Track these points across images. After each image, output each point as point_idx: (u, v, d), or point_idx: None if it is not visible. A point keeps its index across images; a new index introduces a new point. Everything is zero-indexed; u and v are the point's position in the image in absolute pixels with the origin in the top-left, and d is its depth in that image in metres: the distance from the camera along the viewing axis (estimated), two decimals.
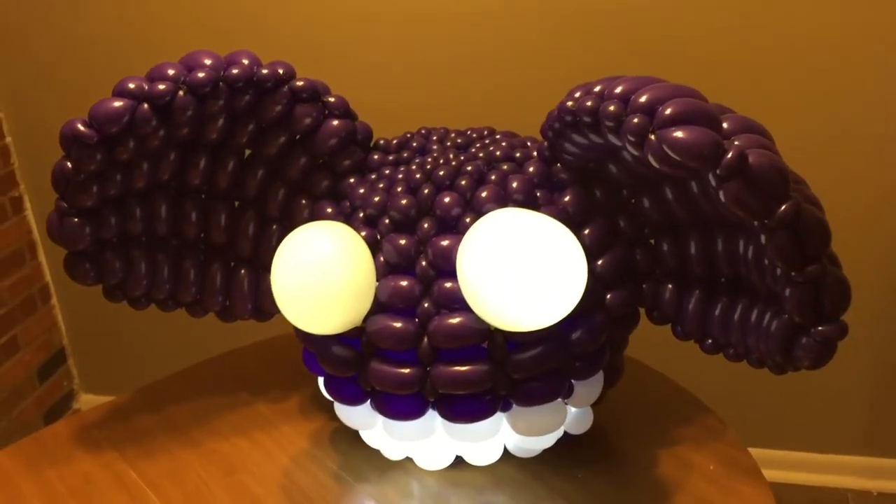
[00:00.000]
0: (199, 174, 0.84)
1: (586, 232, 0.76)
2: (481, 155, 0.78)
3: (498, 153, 0.78)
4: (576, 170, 0.77)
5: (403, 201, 0.75)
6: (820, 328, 0.62)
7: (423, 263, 0.74)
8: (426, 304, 0.73)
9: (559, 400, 0.77)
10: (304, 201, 0.85)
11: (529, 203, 0.75)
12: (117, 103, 0.72)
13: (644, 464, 0.84)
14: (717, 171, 0.58)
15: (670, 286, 0.79)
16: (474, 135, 0.83)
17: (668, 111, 0.60)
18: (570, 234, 0.69)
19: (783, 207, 0.58)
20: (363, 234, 0.76)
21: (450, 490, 0.84)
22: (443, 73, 1.45)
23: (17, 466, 0.89)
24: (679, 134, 0.58)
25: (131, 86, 0.72)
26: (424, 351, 0.73)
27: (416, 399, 0.75)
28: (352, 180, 0.83)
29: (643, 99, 0.62)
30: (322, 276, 0.72)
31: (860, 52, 1.30)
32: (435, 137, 0.82)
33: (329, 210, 0.83)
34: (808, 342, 0.63)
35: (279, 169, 0.85)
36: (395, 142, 0.83)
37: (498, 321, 0.69)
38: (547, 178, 0.78)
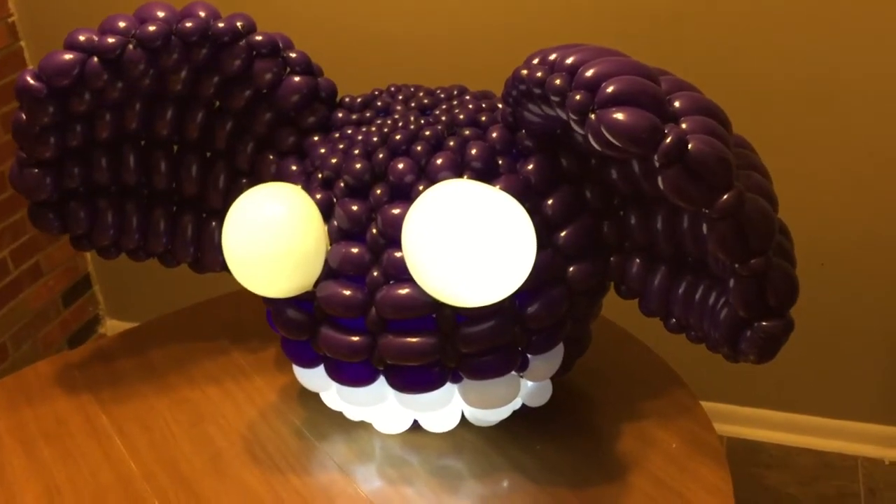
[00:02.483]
0: (167, 125, 0.83)
1: (549, 202, 0.74)
2: (443, 119, 0.75)
3: (462, 116, 0.75)
4: (541, 137, 0.74)
5: (357, 165, 0.73)
6: (764, 323, 0.59)
7: (374, 231, 0.72)
8: (375, 273, 0.72)
9: (513, 373, 0.75)
10: (271, 156, 0.84)
11: (489, 171, 0.72)
12: (66, 56, 0.71)
13: (605, 438, 0.83)
14: (655, 158, 0.54)
15: (638, 261, 0.76)
16: (442, 95, 0.80)
17: (609, 89, 0.56)
18: (520, 210, 0.67)
19: (724, 197, 0.55)
20: (318, 196, 0.74)
21: (410, 453, 0.83)
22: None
23: None
24: (618, 116, 0.55)
25: (81, 38, 0.71)
26: (373, 320, 0.72)
27: (366, 366, 0.74)
28: (315, 138, 0.81)
29: (589, 73, 0.58)
30: (270, 240, 0.71)
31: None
32: (401, 97, 0.79)
33: (294, 168, 0.81)
34: (752, 336, 0.60)
35: (247, 123, 0.83)
36: (359, 100, 0.81)
37: (440, 296, 0.67)
38: (510, 145, 0.74)
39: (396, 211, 0.71)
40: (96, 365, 0.99)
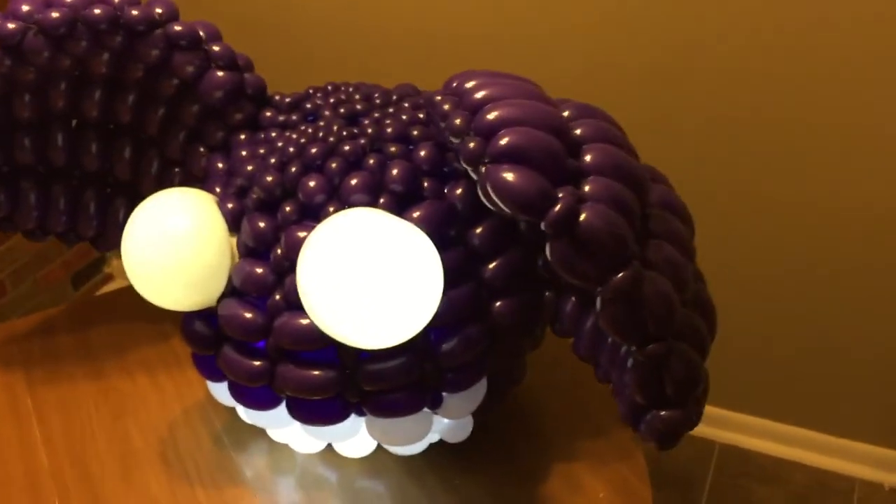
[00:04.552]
0: (97, 106, 0.79)
1: (478, 231, 0.67)
2: (370, 131, 0.69)
3: (390, 130, 0.69)
4: None
5: (268, 178, 0.67)
6: (661, 413, 0.52)
7: (279, 252, 0.66)
8: (277, 297, 0.67)
9: (425, 410, 0.70)
10: (201, 149, 0.78)
11: (410, 194, 0.66)
12: None
13: (529, 478, 0.77)
14: (542, 226, 0.48)
15: (573, 299, 0.70)
16: (379, 100, 0.73)
17: (503, 141, 0.49)
18: (427, 248, 0.61)
19: (618, 277, 0.48)
20: (231, 205, 0.69)
21: (328, 471, 0.79)
22: None
23: None
24: (507, 175, 0.48)
25: None
26: (272, 346, 0.67)
27: (268, 391, 0.70)
28: (242, 136, 0.75)
29: (489, 117, 0.51)
30: (165, 252, 0.66)
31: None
32: (332, 100, 0.73)
33: (220, 165, 0.76)
34: (650, 422, 0.54)
35: (177, 112, 0.78)
36: (288, 100, 0.74)
37: (333, 334, 0.62)
38: (440, 165, 0.68)
39: (302, 234, 0.65)
40: (38, 339, 0.96)
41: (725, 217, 1.34)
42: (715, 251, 1.33)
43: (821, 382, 1.41)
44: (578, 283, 0.49)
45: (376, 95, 0.74)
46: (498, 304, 0.68)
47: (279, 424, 0.74)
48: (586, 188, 0.48)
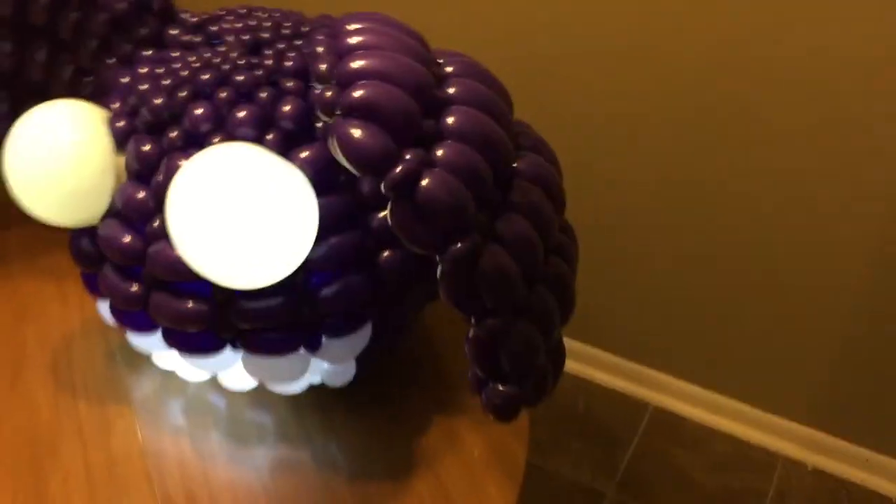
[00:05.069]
0: (10, 4, 0.76)
1: (369, 179, 0.65)
2: (269, 63, 0.66)
3: (289, 63, 0.66)
4: None
5: (157, 101, 0.65)
6: (499, 387, 0.52)
7: (160, 178, 0.65)
8: (156, 224, 0.65)
9: (302, 351, 0.70)
10: (109, 61, 0.76)
11: (299, 133, 0.64)
12: None
13: (408, 428, 0.77)
14: (381, 187, 0.46)
15: None
16: (287, 31, 0.70)
17: (356, 94, 0.47)
18: (301, 190, 0.59)
19: (454, 247, 0.46)
20: (120, 124, 0.67)
21: (219, 399, 0.79)
22: None
23: None
24: (353, 131, 0.47)
25: None
26: (148, 273, 0.66)
27: (146, 316, 0.69)
28: (146, 53, 0.73)
29: (352, 66, 0.49)
30: (46, 165, 0.65)
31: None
32: (240, 25, 0.70)
33: (123, 80, 0.73)
34: (488, 394, 0.53)
35: (89, 20, 0.76)
36: (194, 20, 0.72)
37: (197, 270, 0.61)
38: None
39: (183, 162, 0.63)
40: None
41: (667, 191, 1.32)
42: (671, 227, 1.31)
43: (756, 355, 1.41)
44: (417, 249, 0.47)
45: (287, 25, 0.71)
46: (385, 254, 0.67)
47: (160, 350, 0.73)
48: (438, 152, 0.47)
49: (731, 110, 1.23)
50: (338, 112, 0.47)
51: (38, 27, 0.79)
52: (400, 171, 0.45)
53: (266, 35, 0.70)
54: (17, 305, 0.87)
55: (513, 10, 1.30)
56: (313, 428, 0.77)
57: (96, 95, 0.76)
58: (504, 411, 0.52)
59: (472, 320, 0.49)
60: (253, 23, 0.71)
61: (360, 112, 0.46)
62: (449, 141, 0.47)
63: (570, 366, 1.54)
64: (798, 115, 1.19)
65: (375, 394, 0.80)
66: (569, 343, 1.45)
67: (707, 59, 1.21)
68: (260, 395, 0.79)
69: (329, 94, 0.48)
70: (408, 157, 0.46)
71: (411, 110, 0.47)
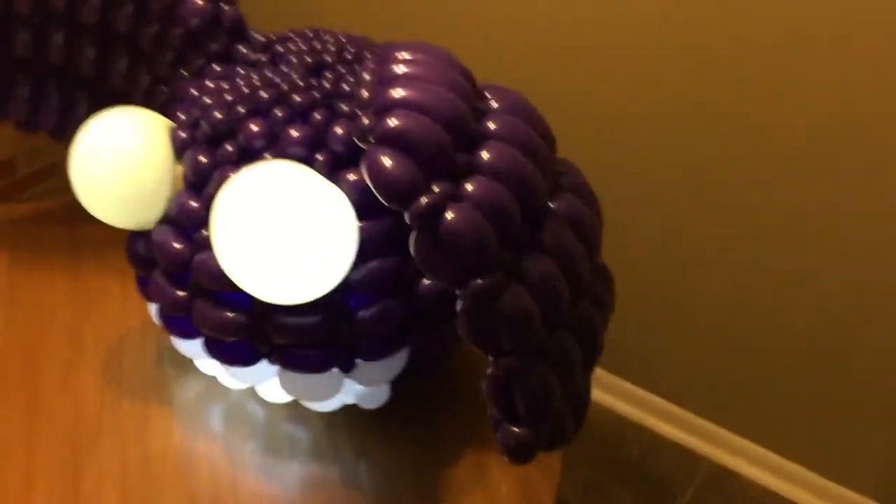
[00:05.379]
0: (96, 11, 0.81)
1: None
2: (327, 86, 0.68)
3: (347, 87, 0.67)
4: None
5: (217, 114, 0.67)
6: (514, 428, 0.51)
7: (212, 190, 0.67)
8: (205, 233, 0.67)
9: (335, 371, 0.70)
10: (183, 73, 0.79)
11: (350, 156, 0.65)
12: None
13: (438, 458, 0.77)
14: (406, 217, 0.46)
15: None
16: (349, 55, 0.72)
17: (389, 122, 0.48)
18: (342, 212, 0.60)
19: (475, 283, 0.46)
20: (184, 135, 0.70)
21: (258, 409, 0.81)
22: None
23: None
24: (383, 159, 0.47)
25: None
26: (193, 280, 0.68)
27: (189, 323, 0.71)
28: (217, 68, 0.75)
29: (391, 95, 0.50)
30: (106, 168, 0.67)
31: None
32: (304, 47, 0.72)
33: (191, 92, 0.76)
34: (502, 435, 0.52)
35: (167, 32, 0.79)
36: (262, 39, 0.74)
37: (236, 281, 0.62)
38: None
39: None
40: (32, 226, 1.00)
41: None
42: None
43: (826, 421, 1.35)
44: (437, 281, 0.47)
45: (350, 50, 0.72)
46: (424, 282, 0.67)
47: (202, 356, 0.75)
48: (467, 187, 0.47)
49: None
50: (371, 139, 0.48)
51: (121, 36, 0.82)
52: (425, 203, 0.45)
53: (328, 58, 0.71)
54: (81, 301, 0.91)
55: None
56: (345, 447, 0.77)
57: (169, 105, 0.79)
58: (517, 453, 0.51)
59: (490, 358, 0.49)
60: (318, 46, 0.73)
61: (391, 141, 0.47)
62: (480, 176, 0.47)
63: (628, 411, 1.50)
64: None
65: (410, 419, 0.80)
66: (629, 388, 1.42)
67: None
68: (297, 410, 0.80)
69: (366, 120, 0.49)
70: (435, 189, 0.46)
71: (444, 143, 0.47)
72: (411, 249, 0.47)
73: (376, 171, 0.46)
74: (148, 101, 0.84)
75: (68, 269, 0.94)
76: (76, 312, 0.89)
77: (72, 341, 0.85)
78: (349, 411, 0.78)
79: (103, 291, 0.92)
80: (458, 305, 0.48)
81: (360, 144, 0.50)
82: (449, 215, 0.45)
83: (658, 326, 1.44)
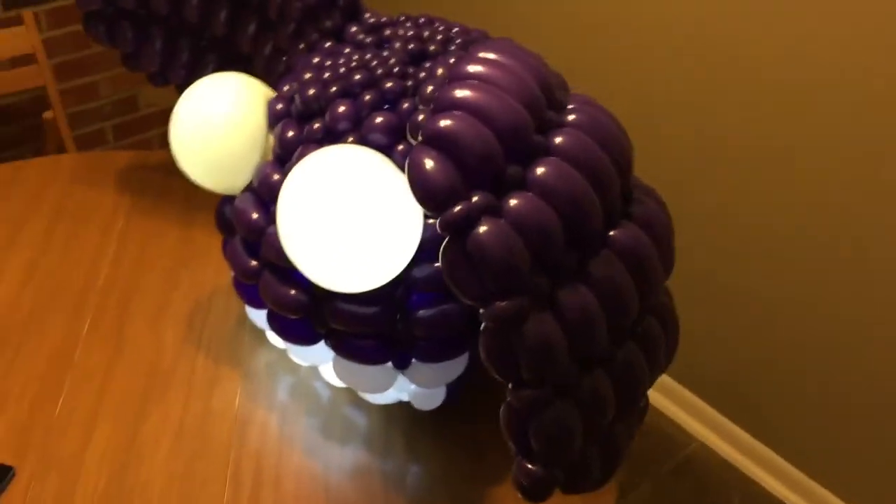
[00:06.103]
0: None
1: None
2: (422, 75, 0.66)
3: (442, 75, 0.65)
4: None
5: (311, 91, 0.67)
6: (527, 464, 0.48)
7: (293, 164, 0.66)
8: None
9: (389, 366, 0.69)
10: (300, 45, 0.79)
11: None
12: None
13: (484, 467, 0.74)
14: (437, 224, 0.44)
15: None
16: (454, 46, 0.69)
17: (439, 122, 0.45)
18: (407, 203, 0.58)
19: (498, 305, 0.43)
20: (279, 106, 0.70)
21: (321, 385, 0.81)
22: None
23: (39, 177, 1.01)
24: (425, 159, 0.45)
25: None
26: (262, 252, 0.68)
27: (258, 293, 0.72)
28: (327, 44, 0.75)
29: (451, 94, 0.47)
30: (199, 131, 0.68)
31: None
32: (411, 34, 0.70)
33: (299, 66, 0.76)
34: (517, 468, 0.49)
35: (288, 3, 0.79)
36: (372, 20, 0.73)
37: (294, 262, 0.62)
38: None
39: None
40: (153, 173, 1.05)
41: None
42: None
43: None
44: (460, 296, 0.45)
45: (457, 41, 0.70)
46: None
47: (264, 327, 0.75)
48: (511, 202, 0.43)
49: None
50: (420, 137, 0.45)
51: (251, 2, 0.84)
52: (457, 211, 0.42)
53: (432, 48, 0.69)
54: (184, 253, 0.93)
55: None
56: (397, 442, 0.76)
57: (285, 74, 0.79)
58: (528, 491, 0.48)
59: (510, 387, 0.46)
60: (426, 34, 0.71)
61: (438, 142, 0.44)
62: (528, 192, 0.44)
63: (733, 455, 1.41)
64: None
65: (465, 425, 0.77)
66: (737, 433, 1.32)
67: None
68: (361, 398, 0.79)
69: (421, 117, 0.47)
70: (474, 199, 0.43)
71: (493, 151, 0.44)
72: (440, 258, 0.44)
73: (415, 171, 0.44)
74: (269, 70, 0.85)
75: (181, 221, 0.98)
76: (177, 262, 0.92)
77: (167, 289, 0.88)
78: (410, 408, 0.76)
79: (206, 248, 0.95)
80: (481, 325, 0.45)
81: (410, 140, 0.48)
82: (481, 229, 0.42)
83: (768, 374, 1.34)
